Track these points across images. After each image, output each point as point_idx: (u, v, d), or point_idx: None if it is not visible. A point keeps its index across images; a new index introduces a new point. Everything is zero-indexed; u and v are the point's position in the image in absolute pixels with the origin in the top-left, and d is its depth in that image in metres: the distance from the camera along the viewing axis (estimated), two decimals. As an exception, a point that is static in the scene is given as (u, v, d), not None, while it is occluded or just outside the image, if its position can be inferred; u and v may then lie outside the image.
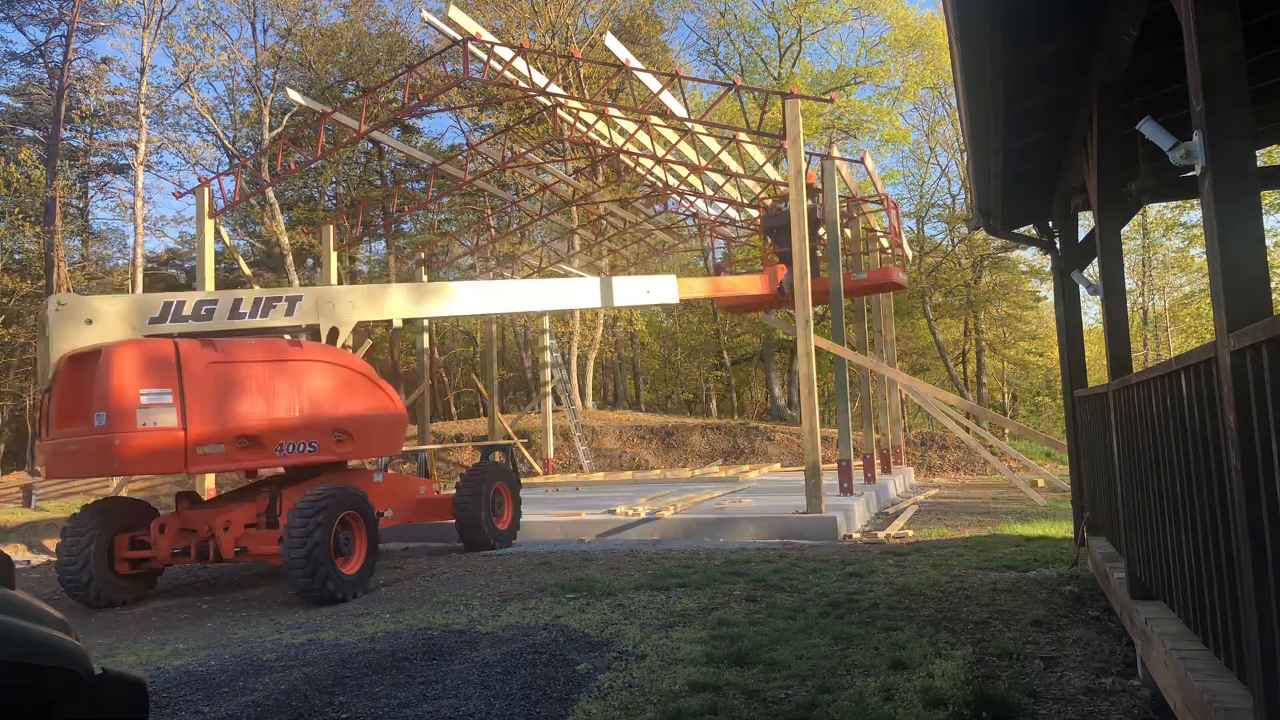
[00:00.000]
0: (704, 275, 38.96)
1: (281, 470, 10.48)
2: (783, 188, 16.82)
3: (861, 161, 17.34)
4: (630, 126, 16.84)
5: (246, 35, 32.55)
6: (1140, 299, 39.78)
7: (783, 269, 15.11)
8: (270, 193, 27.60)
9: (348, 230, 21.87)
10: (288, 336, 10.18)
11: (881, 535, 11.45)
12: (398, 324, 12.64)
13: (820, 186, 15.07)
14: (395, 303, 12.05)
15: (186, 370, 8.86)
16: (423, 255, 22.69)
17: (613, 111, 16.67)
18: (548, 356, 24.89)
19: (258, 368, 9.45)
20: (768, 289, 14.85)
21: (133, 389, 8.56)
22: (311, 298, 10.89)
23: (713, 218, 22.93)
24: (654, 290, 12.91)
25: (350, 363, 10.35)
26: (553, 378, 24.58)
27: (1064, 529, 10.75)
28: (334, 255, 18.74)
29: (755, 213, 19.94)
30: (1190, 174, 6.26)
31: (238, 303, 10.28)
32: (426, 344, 22.08)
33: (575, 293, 12.84)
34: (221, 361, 9.18)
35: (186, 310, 9.97)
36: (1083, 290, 7.13)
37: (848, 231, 17.62)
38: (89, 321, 9.21)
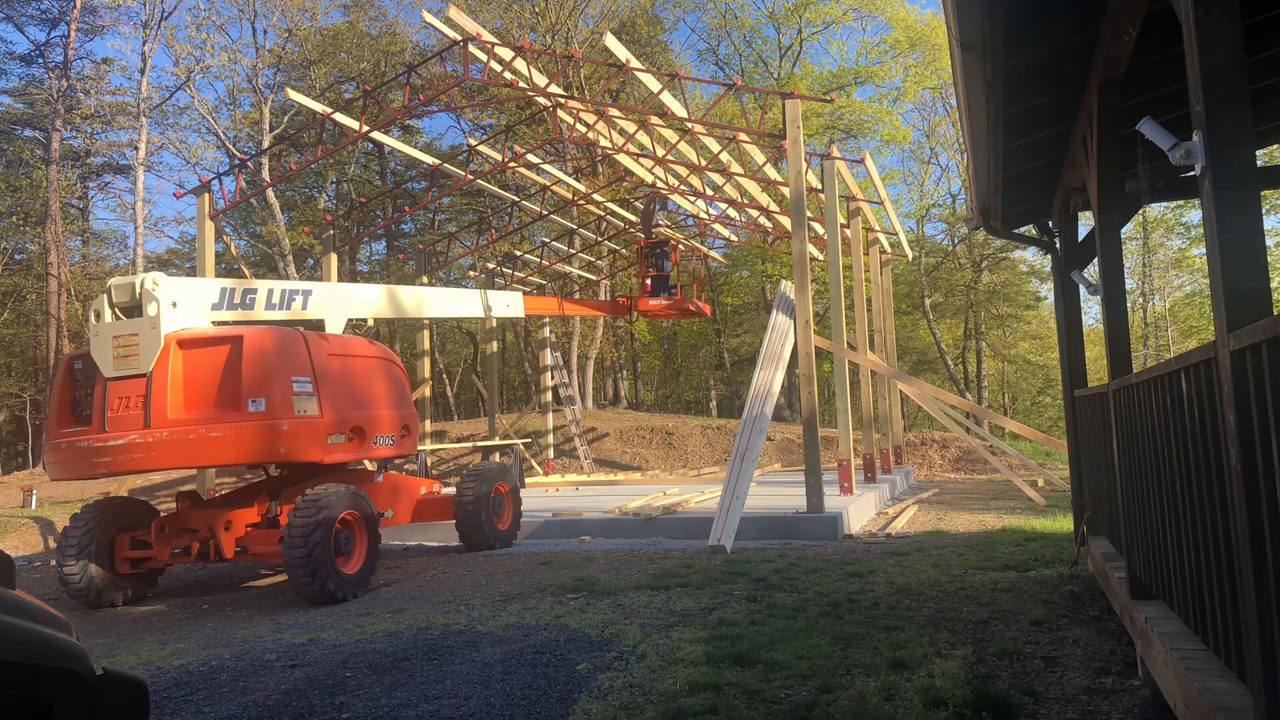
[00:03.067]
0: (702, 274, 39.06)
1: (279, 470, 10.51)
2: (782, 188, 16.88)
3: (861, 162, 17.32)
4: (630, 127, 16.84)
5: (247, 36, 32.60)
6: (1140, 299, 39.78)
7: (637, 300, 19.97)
8: (270, 193, 27.59)
9: (348, 231, 21.87)
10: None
11: (882, 535, 11.45)
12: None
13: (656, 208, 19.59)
14: (351, 299, 12.20)
15: (315, 360, 9.00)
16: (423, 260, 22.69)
17: (613, 112, 16.67)
18: (548, 357, 24.88)
19: (356, 362, 9.77)
20: (611, 312, 19.16)
21: (286, 375, 8.58)
22: (319, 292, 11.11)
23: (713, 218, 22.93)
24: (511, 304, 16.09)
25: (399, 362, 10.78)
26: (553, 378, 24.57)
27: (1064, 529, 10.75)
28: (334, 256, 18.75)
29: (755, 213, 19.94)
30: (1190, 174, 6.27)
31: (270, 293, 10.34)
32: (427, 344, 22.08)
33: (459, 301, 14.99)
34: (336, 354, 9.43)
35: (236, 298, 9.91)
36: (1083, 290, 7.14)
37: (847, 232, 17.61)
38: (175, 304, 8.92)
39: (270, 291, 10.35)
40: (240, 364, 8.54)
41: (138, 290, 8.80)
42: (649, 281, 19.92)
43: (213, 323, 9.47)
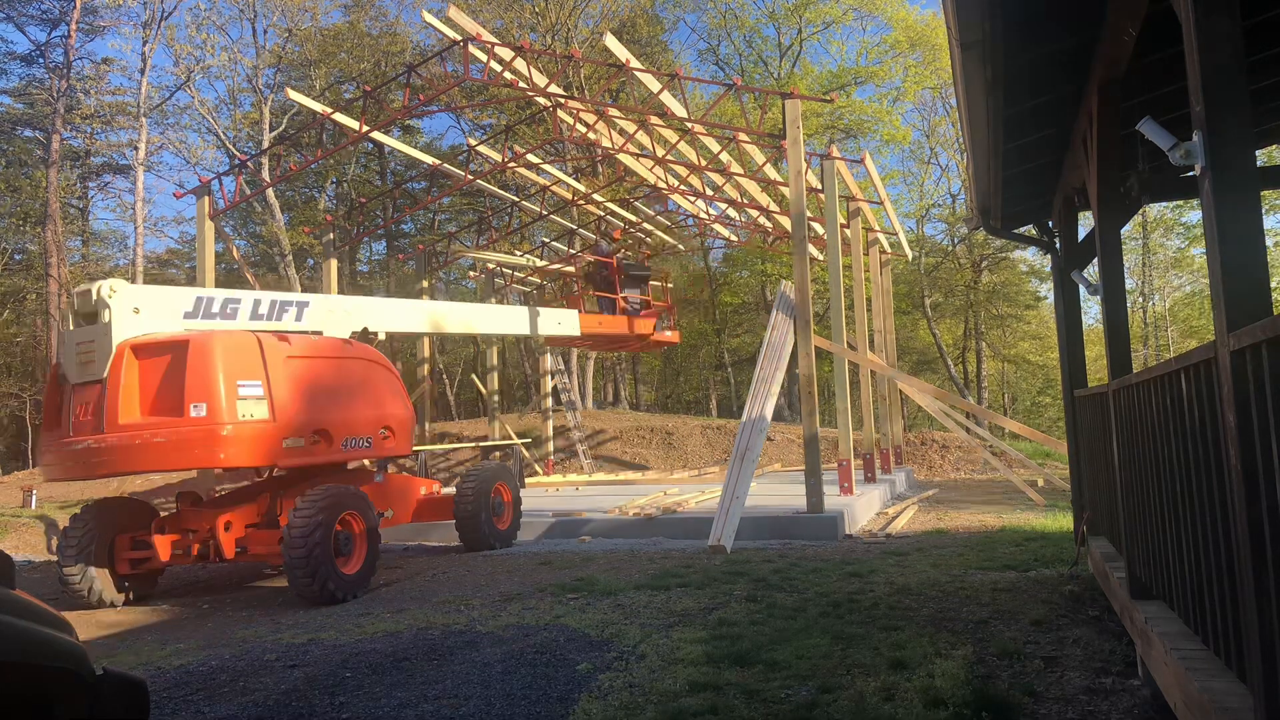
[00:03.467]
0: (702, 274, 39.16)
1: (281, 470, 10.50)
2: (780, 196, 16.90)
3: (861, 162, 17.32)
4: (630, 127, 16.83)
5: (247, 36, 32.58)
6: (1140, 299, 39.79)
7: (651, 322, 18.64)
8: (270, 193, 27.58)
9: (348, 231, 21.88)
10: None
11: (882, 535, 11.45)
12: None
13: (616, 243, 19.43)
14: (380, 315, 12.24)
15: (269, 363, 8.93)
16: (425, 263, 22.68)
17: (613, 112, 16.67)
18: (548, 362, 24.88)
19: (322, 363, 9.69)
20: (640, 331, 18.09)
21: (230, 379, 8.52)
22: (317, 305, 11.02)
23: (712, 218, 22.92)
24: (564, 322, 15.67)
25: (385, 362, 10.69)
26: (553, 378, 24.56)
27: (1064, 528, 10.75)
28: (334, 262, 18.75)
29: (755, 213, 19.95)
30: (1190, 174, 6.27)
31: (257, 303, 10.27)
32: (427, 349, 22.07)
33: (509, 319, 15.05)
34: (296, 356, 9.33)
35: (215, 308, 9.86)
36: (1083, 290, 7.13)
37: (847, 232, 17.62)
38: (136, 310, 8.92)
39: (258, 302, 10.25)
40: (184, 368, 8.49)
41: (94, 297, 8.77)
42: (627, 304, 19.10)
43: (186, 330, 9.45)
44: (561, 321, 15.53)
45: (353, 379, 9.96)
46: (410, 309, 12.99)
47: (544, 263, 24.45)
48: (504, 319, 14.94)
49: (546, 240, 25.90)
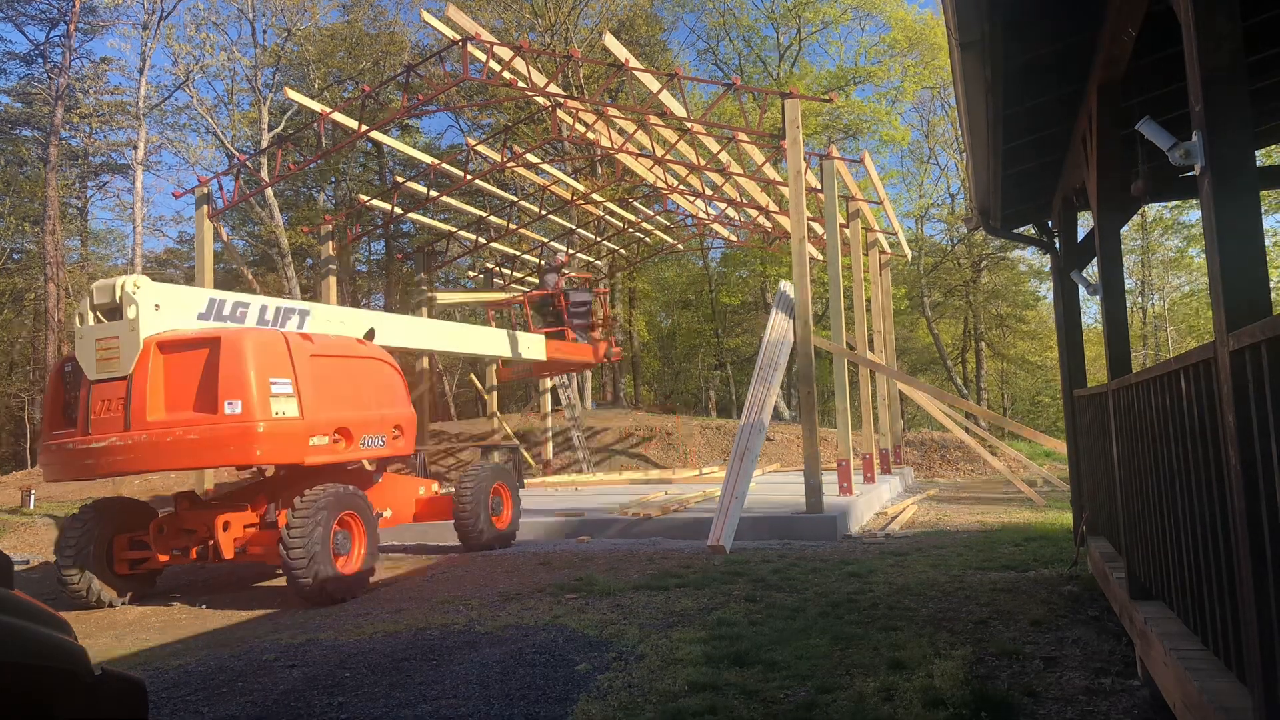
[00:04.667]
0: (701, 274, 39.17)
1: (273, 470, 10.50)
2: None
3: (861, 162, 17.32)
4: (629, 127, 16.83)
5: (246, 35, 32.55)
6: (1140, 299, 39.79)
7: (603, 345, 18.89)
8: (269, 193, 27.56)
9: (347, 231, 21.88)
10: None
11: (881, 535, 11.45)
12: None
13: (568, 271, 19.41)
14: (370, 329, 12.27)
15: (296, 360, 8.93)
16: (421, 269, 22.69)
17: (612, 111, 16.66)
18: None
19: (341, 362, 9.72)
20: (594, 357, 18.49)
21: (262, 376, 8.51)
22: (318, 315, 11.05)
23: (712, 218, 22.92)
24: (532, 347, 16.29)
25: (393, 361, 10.72)
26: (552, 378, 24.55)
27: (1064, 528, 10.75)
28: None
29: (754, 213, 19.95)
30: (1190, 174, 6.27)
31: (264, 309, 10.24)
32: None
33: (490, 340, 15.59)
34: (319, 355, 9.35)
35: (225, 310, 9.81)
36: (1082, 290, 7.14)
37: (847, 232, 17.61)
38: (157, 307, 8.85)
39: (264, 308, 10.24)
40: (217, 365, 8.45)
41: (118, 293, 8.72)
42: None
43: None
44: (530, 346, 16.19)
45: (368, 377, 10.05)
46: (404, 324, 13.02)
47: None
48: (486, 340, 15.44)
49: (545, 240, 25.90)
